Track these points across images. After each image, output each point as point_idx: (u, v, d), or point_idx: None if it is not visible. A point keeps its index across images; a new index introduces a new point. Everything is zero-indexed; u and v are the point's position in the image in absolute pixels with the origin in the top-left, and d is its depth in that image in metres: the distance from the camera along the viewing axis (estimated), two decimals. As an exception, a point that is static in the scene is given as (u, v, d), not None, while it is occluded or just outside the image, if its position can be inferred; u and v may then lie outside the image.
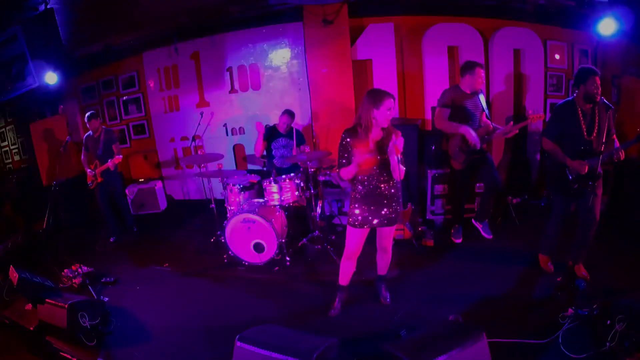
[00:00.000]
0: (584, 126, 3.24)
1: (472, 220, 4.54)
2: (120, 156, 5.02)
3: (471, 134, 3.91)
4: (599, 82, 3.17)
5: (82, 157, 5.31)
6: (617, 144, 3.32)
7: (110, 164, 4.94)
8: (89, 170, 5.19)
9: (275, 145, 4.92)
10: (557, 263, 3.72)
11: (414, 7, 5.62)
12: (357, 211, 3.04)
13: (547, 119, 3.83)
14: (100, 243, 5.24)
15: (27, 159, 6.47)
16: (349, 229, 3.13)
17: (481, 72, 3.96)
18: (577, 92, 3.27)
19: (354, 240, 3.13)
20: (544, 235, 3.74)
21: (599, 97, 3.19)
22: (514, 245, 4.31)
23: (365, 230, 3.11)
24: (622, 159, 3.19)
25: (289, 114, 4.85)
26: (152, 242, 5.30)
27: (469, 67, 3.96)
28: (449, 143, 4.17)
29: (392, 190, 3.02)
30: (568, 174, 3.33)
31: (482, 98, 4.11)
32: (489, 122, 4.15)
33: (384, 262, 3.41)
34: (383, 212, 3.02)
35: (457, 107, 4.02)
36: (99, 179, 5.13)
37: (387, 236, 3.21)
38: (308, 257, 4.42)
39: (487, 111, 4.14)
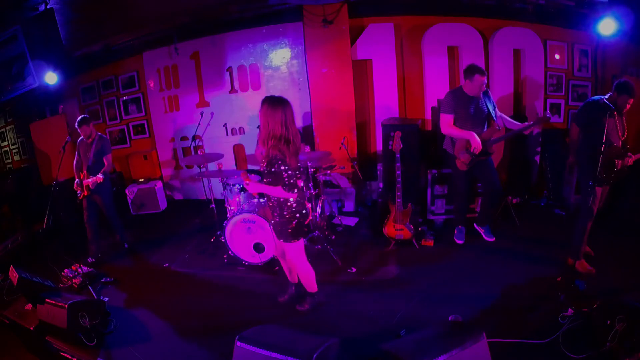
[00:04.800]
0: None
1: (474, 224, 4.55)
2: (102, 176, 4.47)
3: (475, 140, 3.89)
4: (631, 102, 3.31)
5: (75, 163, 4.75)
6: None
7: (90, 181, 4.45)
8: (77, 179, 4.66)
9: None
10: (557, 263, 3.73)
11: (414, 7, 5.61)
12: None
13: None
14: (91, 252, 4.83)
15: (27, 159, 6.47)
16: None
17: (480, 79, 3.86)
18: (613, 95, 3.34)
19: None
20: (576, 238, 3.61)
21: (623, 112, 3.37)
22: (514, 246, 4.30)
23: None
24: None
25: None
26: (152, 242, 5.30)
27: (468, 72, 3.89)
28: (455, 143, 4.13)
29: (269, 204, 3.15)
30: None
31: (488, 100, 4.05)
32: (495, 123, 4.06)
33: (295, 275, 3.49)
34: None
35: (459, 111, 3.99)
36: (85, 193, 4.57)
37: (284, 250, 3.29)
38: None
39: (493, 113, 4.06)
